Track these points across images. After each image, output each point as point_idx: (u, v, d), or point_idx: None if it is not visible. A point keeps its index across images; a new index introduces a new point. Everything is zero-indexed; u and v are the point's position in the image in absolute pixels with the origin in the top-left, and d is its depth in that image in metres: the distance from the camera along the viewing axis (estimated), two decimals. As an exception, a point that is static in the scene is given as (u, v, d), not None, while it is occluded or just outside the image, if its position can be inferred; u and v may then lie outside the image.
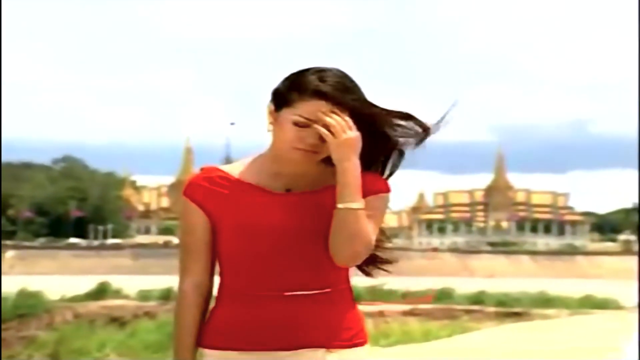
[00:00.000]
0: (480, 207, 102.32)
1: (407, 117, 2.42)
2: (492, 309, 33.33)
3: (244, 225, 2.39)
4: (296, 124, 2.34)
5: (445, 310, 33.15)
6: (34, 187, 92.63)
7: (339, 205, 2.32)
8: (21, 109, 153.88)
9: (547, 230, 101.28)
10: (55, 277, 52.84)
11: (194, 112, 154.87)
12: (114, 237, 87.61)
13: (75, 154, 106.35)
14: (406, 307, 32.59)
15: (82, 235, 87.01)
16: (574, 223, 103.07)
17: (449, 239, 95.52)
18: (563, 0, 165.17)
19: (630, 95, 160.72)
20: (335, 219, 2.33)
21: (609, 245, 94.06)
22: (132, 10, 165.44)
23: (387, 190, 2.45)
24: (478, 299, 35.42)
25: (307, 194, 2.40)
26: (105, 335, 28.41)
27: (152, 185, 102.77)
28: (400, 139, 2.44)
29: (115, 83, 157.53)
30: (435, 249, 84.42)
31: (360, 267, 2.52)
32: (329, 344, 2.40)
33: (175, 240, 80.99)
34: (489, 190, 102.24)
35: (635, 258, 76.57)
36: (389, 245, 2.57)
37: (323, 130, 2.32)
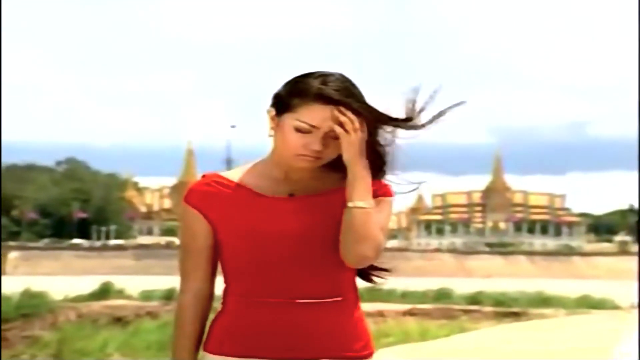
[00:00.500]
0: (478, 208, 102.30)
1: (407, 120, 2.36)
2: (490, 309, 33.33)
3: (248, 232, 2.32)
4: (298, 129, 2.28)
5: (444, 310, 33.16)
6: (37, 188, 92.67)
7: (350, 204, 2.26)
8: (24, 111, 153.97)
9: (544, 231, 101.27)
10: (59, 277, 52.83)
11: (196, 114, 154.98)
12: (116, 238, 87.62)
13: (78, 155, 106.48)
14: (405, 306, 32.63)
15: (85, 236, 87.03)
16: (570, 224, 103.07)
17: (447, 240, 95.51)
18: (561, 2, 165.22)
19: (627, 97, 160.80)
20: (345, 218, 2.27)
21: (605, 246, 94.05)
22: (134, 13, 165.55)
23: (392, 194, 2.39)
24: (476, 299, 35.42)
25: (311, 198, 2.34)
26: (108, 335, 28.40)
27: (154, 187, 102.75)
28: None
29: (117, 86, 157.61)
30: (437, 250, 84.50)
31: (359, 273, 2.45)
32: (340, 354, 2.33)
33: (177, 241, 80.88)
34: (487, 192, 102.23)
35: (631, 258, 76.67)
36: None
37: (338, 128, 2.26)
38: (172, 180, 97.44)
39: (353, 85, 2.32)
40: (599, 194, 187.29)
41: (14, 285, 34.31)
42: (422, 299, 35.32)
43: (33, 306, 31.85)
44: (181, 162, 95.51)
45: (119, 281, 37.34)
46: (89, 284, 36.17)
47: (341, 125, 2.26)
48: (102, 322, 30.83)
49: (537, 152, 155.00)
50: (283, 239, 2.30)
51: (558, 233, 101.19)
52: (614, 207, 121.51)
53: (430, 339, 16.39)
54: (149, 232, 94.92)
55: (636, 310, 25.04)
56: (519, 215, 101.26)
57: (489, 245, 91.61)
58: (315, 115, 2.26)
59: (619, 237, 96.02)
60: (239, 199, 2.35)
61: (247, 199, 2.34)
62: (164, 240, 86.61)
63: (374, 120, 2.31)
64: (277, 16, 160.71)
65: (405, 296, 35.65)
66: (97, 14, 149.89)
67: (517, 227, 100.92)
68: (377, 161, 2.35)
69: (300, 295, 2.31)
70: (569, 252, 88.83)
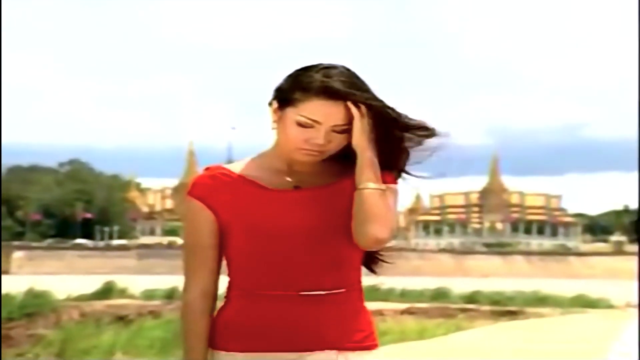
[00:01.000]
0: (476, 208, 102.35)
1: (419, 124, 2.30)
2: (487, 308, 33.28)
3: (254, 225, 2.25)
4: (300, 124, 2.21)
5: (441, 309, 33.11)
6: (41, 189, 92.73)
7: (360, 186, 2.21)
8: (29, 114, 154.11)
9: (541, 231, 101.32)
10: (62, 276, 52.77)
11: (197, 116, 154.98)
12: (119, 238, 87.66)
13: (82, 157, 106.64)
14: (403, 305, 32.60)
15: (89, 236, 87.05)
16: (566, 224, 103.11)
17: (445, 240, 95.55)
18: (559, 5, 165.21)
19: (623, 100, 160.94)
20: (357, 201, 2.21)
21: (600, 246, 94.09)
22: (137, 18, 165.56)
23: (395, 182, 2.32)
24: (473, 298, 35.36)
25: (317, 190, 2.28)
26: (110, 334, 28.38)
27: (156, 188, 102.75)
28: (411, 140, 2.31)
29: (120, 88, 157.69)
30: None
31: (365, 263, 2.40)
32: (341, 346, 2.27)
33: (179, 240, 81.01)
34: (484, 193, 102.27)
35: (626, 258, 76.68)
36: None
37: (354, 110, 2.20)
38: (174, 181, 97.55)
39: (357, 77, 2.25)
40: (595, 194, 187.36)
41: (18, 284, 34.29)
42: (420, 298, 35.26)
43: (37, 305, 31.82)
44: (183, 163, 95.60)
45: (121, 280, 37.27)
46: (92, 283, 36.13)
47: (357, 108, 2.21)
48: (105, 321, 30.77)
49: (533, 153, 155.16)
50: (289, 232, 2.25)
51: (554, 233, 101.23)
52: (609, 208, 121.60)
53: (428, 338, 16.38)
54: (151, 232, 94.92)
55: (632, 310, 25.07)
56: (516, 215, 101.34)
57: (486, 245, 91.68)
58: (317, 110, 2.21)
59: (614, 237, 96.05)
60: (244, 192, 2.28)
61: (252, 191, 2.28)
62: (166, 240, 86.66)
63: (382, 113, 2.25)
64: (278, 20, 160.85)
65: (403, 295, 35.59)
66: (101, 18, 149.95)
67: (514, 228, 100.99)
68: (385, 154, 2.28)
69: (305, 287, 2.25)
70: (565, 252, 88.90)
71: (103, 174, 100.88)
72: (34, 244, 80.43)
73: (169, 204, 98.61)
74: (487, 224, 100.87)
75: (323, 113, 2.21)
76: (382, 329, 25.11)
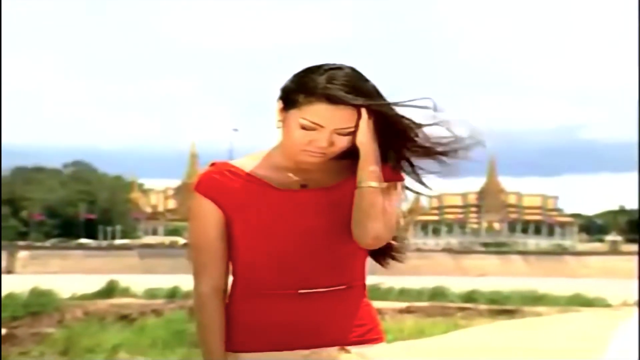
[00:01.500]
0: (474, 209, 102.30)
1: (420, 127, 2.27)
2: (484, 307, 33.29)
3: (259, 223, 2.22)
4: (303, 127, 2.18)
5: (440, 308, 33.13)
6: (45, 190, 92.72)
7: (362, 184, 2.18)
8: (33, 116, 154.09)
9: (538, 231, 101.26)
10: (66, 276, 52.80)
11: (199, 118, 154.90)
12: (122, 237, 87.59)
13: (85, 158, 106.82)
14: (402, 304, 32.61)
15: (92, 236, 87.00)
16: (563, 224, 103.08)
17: (443, 240, 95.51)
18: (555, 7, 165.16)
19: (619, 102, 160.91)
20: (357, 199, 2.19)
21: (596, 246, 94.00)
22: (140, 21, 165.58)
23: (401, 179, 2.30)
24: (471, 297, 35.37)
25: (323, 190, 2.25)
26: (114, 332, 28.40)
27: (158, 188, 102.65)
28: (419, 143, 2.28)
29: (123, 91, 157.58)
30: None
31: (374, 256, 2.37)
32: (342, 341, 2.26)
33: (181, 240, 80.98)
34: (482, 193, 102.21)
35: (621, 258, 76.72)
36: (403, 234, 2.43)
37: (357, 111, 2.17)
38: (176, 182, 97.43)
39: (362, 79, 2.21)
40: (591, 195, 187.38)
41: (23, 283, 34.32)
42: (418, 297, 35.27)
43: (41, 304, 31.85)
44: (185, 164, 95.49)
45: (124, 280, 37.29)
46: (96, 282, 36.13)
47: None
48: (108, 319, 30.80)
49: (530, 154, 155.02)
50: (293, 232, 2.22)
51: (551, 233, 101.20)
52: (605, 208, 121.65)
53: (426, 336, 16.36)
54: (154, 232, 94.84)
55: (628, 308, 25.05)
56: (513, 215, 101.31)
57: (483, 245, 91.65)
58: (320, 114, 2.17)
59: (610, 237, 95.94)
60: (251, 190, 2.24)
61: (258, 190, 2.24)
62: (168, 240, 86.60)
63: (382, 114, 2.21)
64: (279, 21, 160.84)
65: (402, 294, 35.61)
66: (105, 22, 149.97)
67: (511, 228, 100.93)
68: (390, 152, 2.27)
69: (304, 285, 2.23)
70: (561, 251, 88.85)
71: (106, 175, 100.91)
72: (38, 244, 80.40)
73: (171, 204, 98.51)
74: (484, 224, 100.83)
75: (326, 117, 2.17)
76: (382, 327, 25.12)
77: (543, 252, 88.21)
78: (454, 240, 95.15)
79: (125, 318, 31.48)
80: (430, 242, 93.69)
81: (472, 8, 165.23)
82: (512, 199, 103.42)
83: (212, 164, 2.30)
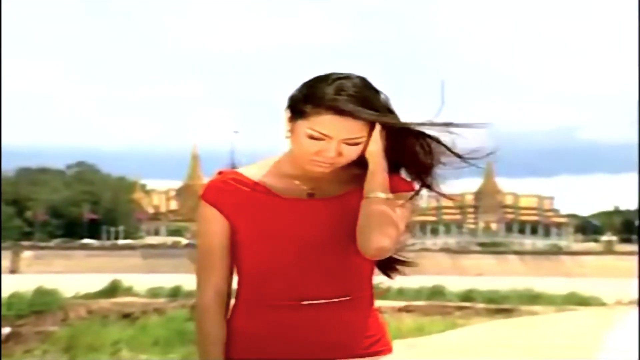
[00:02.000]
0: (471, 209, 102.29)
1: (429, 137, 2.22)
2: (482, 306, 33.31)
3: (263, 232, 2.17)
4: (311, 137, 2.12)
5: (438, 306, 33.14)
6: (49, 191, 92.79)
7: (370, 195, 2.13)
8: (38, 118, 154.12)
9: (534, 231, 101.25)
10: (70, 275, 52.77)
11: (201, 120, 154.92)
12: (125, 238, 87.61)
13: (89, 159, 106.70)
14: (401, 303, 32.60)
15: (95, 236, 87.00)
16: (559, 225, 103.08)
17: (441, 240, 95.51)
18: (553, 9, 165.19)
19: (616, 103, 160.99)
20: (363, 209, 2.13)
21: (591, 246, 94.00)
22: (142, 24, 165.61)
23: (411, 189, 2.25)
24: (468, 296, 35.39)
25: (330, 199, 2.20)
26: (116, 330, 28.41)
27: (161, 189, 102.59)
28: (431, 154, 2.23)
29: (126, 93, 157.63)
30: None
31: (379, 267, 2.33)
32: (348, 353, 2.19)
33: (183, 241, 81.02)
34: (479, 194, 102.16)
35: (616, 257, 76.78)
36: (407, 243, 2.36)
37: (366, 122, 2.13)
38: (178, 183, 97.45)
39: (372, 89, 2.16)
40: (586, 196, 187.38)
41: (27, 283, 34.32)
42: (417, 296, 35.27)
43: (45, 303, 31.87)
44: (187, 165, 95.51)
45: (127, 279, 37.30)
46: (99, 281, 36.15)
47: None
48: (111, 318, 30.83)
49: (526, 155, 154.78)
50: (299, 242, 2.17)
51: (547, 233, 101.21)
52: (600, 209, 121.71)
53: (425, 335, 16.38)
54: (156, 233, 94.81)
55: (623, 307, 25.07)
56: (510, 216, 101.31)
57: (481, 245, 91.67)
58: (328, 125, 2.11)
59: (605, 237, 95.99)
60: (257, 199, 2.19)
61: (264, 199, 2.19)
62: (170, 240, 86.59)
63: (391, 126, 2.17)
64: (281, 25, 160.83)
65: (401, 293, 35.60)
66: (108, 24, 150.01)
67: (508, 228, 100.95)
68: (399, 163, 2.24)
69: (308, 296, 2.17)
70: (557, 251, 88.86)
71: (109, 176, 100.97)
72: (42, 244, 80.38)
73: (174, 205, 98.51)
74: (481, 225, 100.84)
75: (334, 128, 2.12)
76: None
77: (539, 252, 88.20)
78: (451, 240, 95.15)
79: (127, 317, 31.50)
80: (429, 242, 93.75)
81: (471, 10, 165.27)
82: (508, 200, 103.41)
83: (220, 172, 2.26)
